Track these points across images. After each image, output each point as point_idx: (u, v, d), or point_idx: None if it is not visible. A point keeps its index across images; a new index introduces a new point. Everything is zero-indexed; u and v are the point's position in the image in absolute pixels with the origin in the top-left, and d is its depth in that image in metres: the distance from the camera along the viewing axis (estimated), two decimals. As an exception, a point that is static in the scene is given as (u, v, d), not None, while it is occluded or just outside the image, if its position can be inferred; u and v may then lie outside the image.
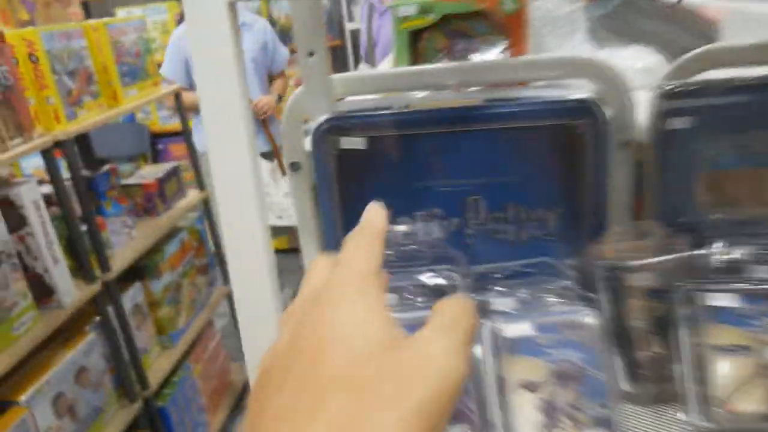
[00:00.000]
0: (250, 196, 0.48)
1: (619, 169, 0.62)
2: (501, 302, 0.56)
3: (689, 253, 0.58)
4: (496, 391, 0.52)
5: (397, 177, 0.58)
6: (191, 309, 2.12)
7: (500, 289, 0.57)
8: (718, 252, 0.58)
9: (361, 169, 0.57)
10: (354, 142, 0.55)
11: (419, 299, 0.56)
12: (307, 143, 0.68)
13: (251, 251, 0.49)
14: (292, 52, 2.84)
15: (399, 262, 0.61)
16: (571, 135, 0.56)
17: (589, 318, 0.53)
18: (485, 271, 0.60)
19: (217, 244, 2.32)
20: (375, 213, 0.34)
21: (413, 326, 0.49)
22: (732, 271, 0.57)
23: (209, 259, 2.28)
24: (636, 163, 0.64)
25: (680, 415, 0.54)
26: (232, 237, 0.49)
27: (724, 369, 0.52)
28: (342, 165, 0.57)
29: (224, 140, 0.47)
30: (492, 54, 0.70)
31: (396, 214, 0.59)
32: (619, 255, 0.60)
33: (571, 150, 0.57)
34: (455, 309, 0.29)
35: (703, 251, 0.58)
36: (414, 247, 0.60)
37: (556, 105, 0.55)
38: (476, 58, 0.71)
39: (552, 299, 0.56)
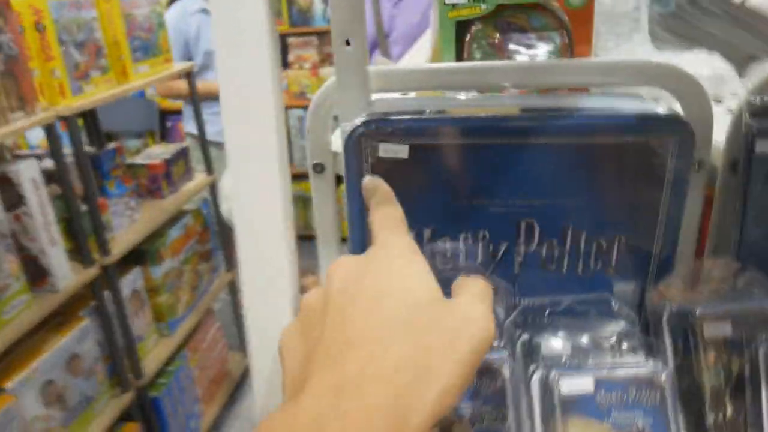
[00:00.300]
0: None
1: (692, 194, 0.53)
2: (553, 345, 0.48)
3: (773, 300, 0.50)
4: (547, 456, 0.44)
5: (440, 192, 0.50)
6: (192, 296, 2.05)
7: (553, 328, 0.49)
8: (809, 301, 0.50)
9: (399, 179, 0.49)
10: (395, 150, 0.47)
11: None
12: (335, 143, 0.60)
13: (269, 231, 0.42)
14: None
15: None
16: (647, 154, 0.48)
17: (658, 374, 0.45)
18: (534, 306, 0.52)
19: (222, 230, 2.24)
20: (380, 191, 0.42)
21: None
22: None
23: (212, 245, 2.20)
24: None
25: (757, 493, 0.46)
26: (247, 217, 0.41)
27: (817, 445, 0.44)
28: (378, 174, 0.49)
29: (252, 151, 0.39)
30: (547, 52, 0.62)
31: (436, 234, 0.51)
32: (691, 297, 0.52)
33: (646, 171, 0.49)
34: (480, 284, 0.35)
35: (791, 299, 0.50)
36: (454, 272, 0.52)
37: (640, 120, 0.47)
38: (530, 55, 0.62)
39: (612, 345, 0.48)
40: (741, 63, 0.86)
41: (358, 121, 0.48)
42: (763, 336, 0.48)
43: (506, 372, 0.45)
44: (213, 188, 2.18)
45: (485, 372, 0.45)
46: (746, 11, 0.83)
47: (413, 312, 0.29)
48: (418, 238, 0.52)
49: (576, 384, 0.44)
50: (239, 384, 2.46)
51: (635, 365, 0.45)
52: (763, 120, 0.51)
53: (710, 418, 0.48)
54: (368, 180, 0.43)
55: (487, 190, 0.49)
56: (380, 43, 2.28)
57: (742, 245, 0.53)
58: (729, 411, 0.48)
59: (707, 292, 0.52)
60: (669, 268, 0.53)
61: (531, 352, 0.48)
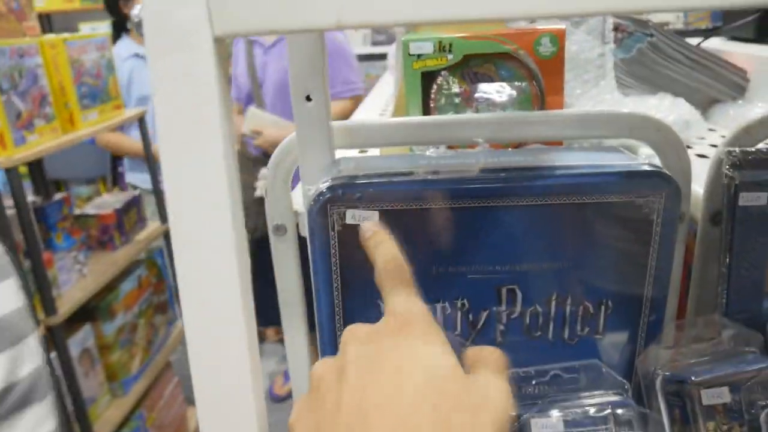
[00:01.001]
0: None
1: (676, 248, 0.51)
2: (543, 424, 0.44)
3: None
4: None
5: (413, 259, 0.45)
6: (147, 351, 1.94)
7: (542, 405, 0.45)
8: (805, 361, 0.47)
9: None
10: (364, 217, 0.43)
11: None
12: (296, 202, 0.55)
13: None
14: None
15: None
16: (632, 212, 0.45)
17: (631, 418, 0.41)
18: (519, 376, 0.48)
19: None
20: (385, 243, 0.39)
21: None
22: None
23: (169, 295, 2.11)
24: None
25: None
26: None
27: None
28: (346, 243, 0.44)
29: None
30: (516, 96, 0.60)
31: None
32: (681, 360, 0.49)
33: (631, 229, 0.46)
34: (496, 356, 0.34)
35: (787, 360, 0.47)
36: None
37: (626, 177, 0.44)
38: (500, 103, 0.60)
39: (605, 418, 0.44)
40: (704, 106, 0.86)
41: (323, 186, 0.44)
42: (763, 400, 0.45)
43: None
44: (167, 236, 2.10)
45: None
46: (704, 54, 0.83)
47: (434, 389, 0.29)
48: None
49: (545, 425, 0.40)
50: (199, 441, 2.34)
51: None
52: (744, 171, 0.49)
53: (713, 494, 0.44)
54: (368, 227, 0.40)
55: (464, 255, 0.46)
56: (254, 92, 2.13)
57: (729, 301, 0.51)
58: (732, 485, 0.45)
59: (695, 352, 0.49)
60: (658, 331, 0.50)
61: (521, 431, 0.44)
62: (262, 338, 2.96)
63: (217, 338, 0.36)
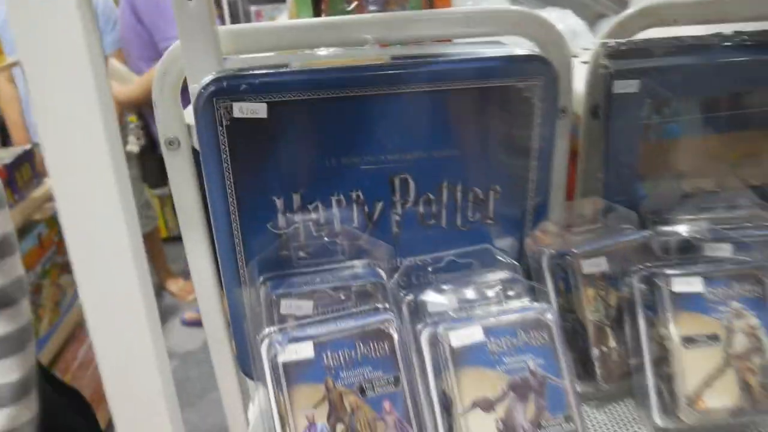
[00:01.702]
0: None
1: (559, 142, 0.54)
2: (439, 301, 0.46)
3: (644, 233, 0.51)
4: (442, 413, 0.42)
5: (306, 153, 0.46)
6: (55, 313, 1.86)
7: (437, 285, 0.47)
8: (672, 231, 0.52)
9: (259, 142, 0.44)
10: (251, 109, 0.43)
11: (339, 304, 0.45)
12: (188, 114, 0.54)
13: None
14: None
15: (313, 258, 0.49)
16: (514, 98, 0.47)
17: (544, 315, 0.44)
18: (416, 264, 0.50)
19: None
20: None
21: (336, 341, 0.38)
22: (686, 251, 0.51)
23: (75, 255, 2.02)
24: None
25: (644, 416, 0.48)
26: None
27: (689, 362, 0.45)
28: (235, 138, 0.44)
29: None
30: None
31: (306, 198, 0.47)
32: (566, 239, 0.52)
33: (514, 117, 0.48)
34: None
35: (657, 231, 0.52)
36: (330, 239, 0.49)
37: (505, 61, 0.46)
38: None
39: (497, 294, 0.47)
40: (591, 20, 0.90)
41: (208, 79, 0.43)
42: (636, 267, 0.49)
43: (394, 334, 0.42)
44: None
45: (372, 337, 0.42)
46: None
47: None
48: (287, 206, 0.48)
49: (465, 335, 0.42)
50: (121, 401, 2.28)
51: (521, 309, 0.45)
52: (618, 61, 0.52)
53: (595, 351, 0.49)
54: None
55: (356, 147, 0.46)
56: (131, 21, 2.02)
57: (607, 184, 0.55)
58: (611, 342, 0.49)
59: (581, 232, 0.52)
60: (544, 214, 0.53)
61: (417, 311, 0.46)
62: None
63: (112, 291, 0.35)
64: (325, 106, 0.45)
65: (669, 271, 0.47)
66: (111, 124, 0.31)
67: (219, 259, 0.52)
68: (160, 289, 3.00)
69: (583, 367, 0.50)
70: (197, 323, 2.14)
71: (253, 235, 0.49)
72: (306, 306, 0.45)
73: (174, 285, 2.88)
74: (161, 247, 2.84)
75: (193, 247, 0.58)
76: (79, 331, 2.05)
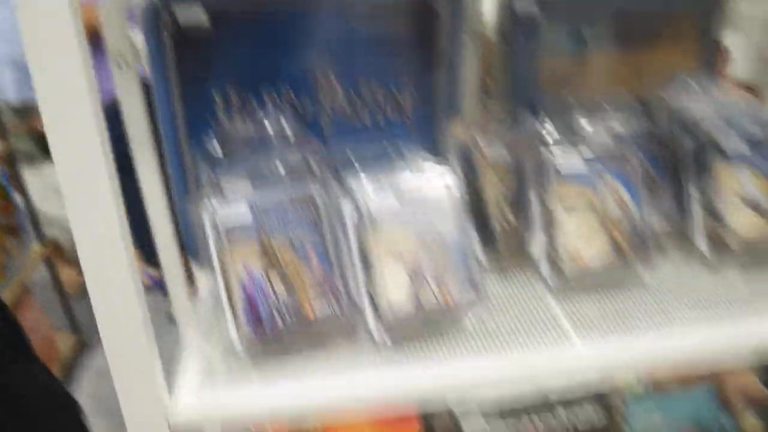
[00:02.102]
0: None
1: (468, 62, 0.61)
2: (361, 181, 0.53)
3: (538, 127, 0.60)
4: (361, 264, 0.50)
5: (245, 58, 0.52)
6: (1, 276, 1.86)
7: (359, 172, 0.54)
8: (560, 125, 0.60)
9: (202, 48, 0.51)
10: (194, 16, 0.48)
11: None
12: (135, 34, 0.59)
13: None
14: None
15: (251, 152, 0.56)
16: (425, 13, 0.55)
17: (448, 189, 0.52)
18: (344, 159, 0.57)
19: (27, 200, 2.05)
20: None
21: (269, 206, 0.45)
22: (568, 141, 0.60)
23: (19, 218, 2.01)
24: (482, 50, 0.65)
25: (536, 277, 0.57)
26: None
27: (570, 226, 0.54)
28: (180, 51, 0.50)
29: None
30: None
31: (246, 99, 0.54)
32: (473, 133, 0.60)
33: (426, 28, 0.56)
34: None
35: (548, 125, 0.60)
36: (263, 135, 0.56)
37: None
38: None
39: (413, 169, 0.55)
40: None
41: (153, -13, 0.49)
42: (530, 156, 0.58)
43: (320, 200, 0.50)
44: (10, 155, 1.98)
45: (302, 203, 0.49)
46: None
47: None
48: (226, 104, 0.54)
49: (381, 203, 0.50)
50: (72, 365, 2.30)
51: (429, 183, 0.53)
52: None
53: (496, 226, 0.57)
54: None
55: (287, 49, 0.53)
56: None
57: (512, 90, 0.63)
58: (510, 217, 0.57)
59: (485, 129, 0.61)
60: (455, 114, 0.61)
61: (345, 191, 0.53)
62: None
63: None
64: (263, 17, 0.51)
65: (555, 154, 0.56)
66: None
67: (166, 159, 0.58)
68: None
69: (486, 241, 0.58)
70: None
71: (196, 134, 0.55)
72: (244, 184, 0.51)
73: None
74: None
75: (144, 168, 0.63)
76: (26, 296, 2.05)
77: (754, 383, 0.73)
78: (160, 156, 0.62)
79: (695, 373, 0.71)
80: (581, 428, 0.67)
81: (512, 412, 0.65)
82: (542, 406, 0.66)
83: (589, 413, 0.67)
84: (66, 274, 2.61)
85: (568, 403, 0.67)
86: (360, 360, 0.49)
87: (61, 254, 2.69)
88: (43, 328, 2.11)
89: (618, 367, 0.50)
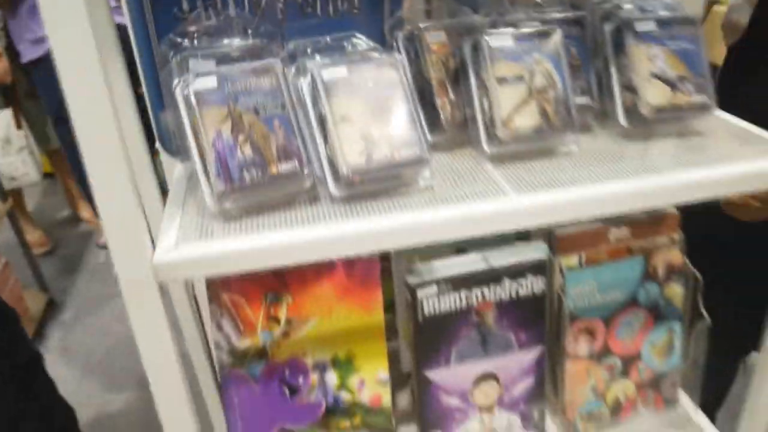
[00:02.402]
0: None
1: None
2: (316, 60, 0.59)
3: (475, 17, 0.66)
4: (318, 127, 0.56)
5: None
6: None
7: (314, 53, 0.60)
8: (495, 17, 0.67)
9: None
10: None
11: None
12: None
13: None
14: None
15: (214, 39, 0.61)
16: None
17: (395, 69, 0.58)
18: (299, 47, 0.63)
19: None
20: None
21: (235, 75, 0.51)
22: (501, 24, 0.66)
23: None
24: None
25: (475, 145, 0.64)
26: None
27: (503, 96, 0.61)
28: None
29: None
30: None
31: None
32: (417, 21, 0.66)
33: None
34: None
35: (481, 15, 0.67)
36: (226, 23, 0.61)
37: None
38: None
39: (362, 51, 0.61)
40: None
41: None
42: (467, 40, 0.64)
43: (280, 71, 0.55)
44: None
45: (263, 73, 0.55)
46: None
47: None
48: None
49: (334, 72, 0.56)
50: (42, 322, 2.32)
51: (377, 59, 0.59)
52: None
53: (439, 101, 0.64)
54: None
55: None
56: None
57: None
58: (451, 95, 0.64)
59: (429, 18, 0.67)
60: (399, 5, 0.67)
61: (302, 69, 0.59)
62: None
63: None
64: None
65: (489, 36, 0.63)
66: None
67: (134, 47, 0.62)
68: (74, 218, 2.99)
69: (431, 119, 0.65)
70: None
71: (162, 21, 0.60)
72: (210, 64, 0.57)
73: (86, 211, 2.88)
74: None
75: (111, 67, 0.67)
76: (-8, 253, 2.06)
77: (677, 256, 0.82)
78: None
79: (622, 243, 0.80)
80: (522, 295, 0.75)
81: (464, 282, 0.73)
82: (490, 277, 0.74)
83: (532, 283, 0.76)
84: (30, 234, 2.61)
85: (513, 275, 0.75)
86: (318, 213, 0.55)
87: (24, 214, 2.68)
88: (9, 285, 2.13)
89: (546, 213, 0.58)
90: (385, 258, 0.87)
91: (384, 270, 0.87)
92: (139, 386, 2.01)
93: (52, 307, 2.42)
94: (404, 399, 0.92)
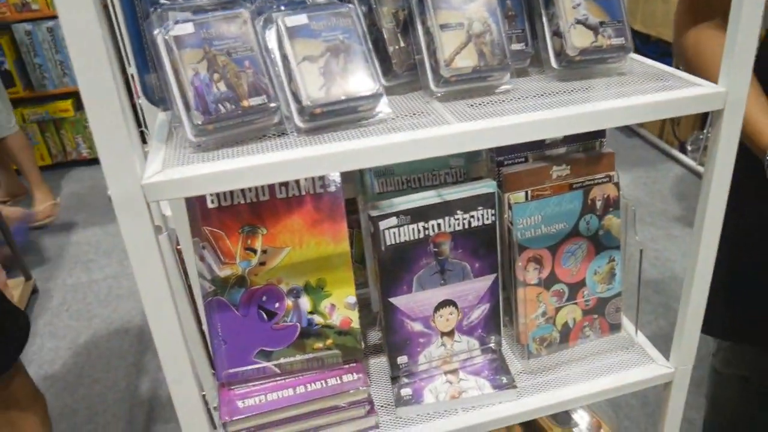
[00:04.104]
0: None
1: None
2: (279, 11, 0.67)
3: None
4: (283, 67, 0.64)
5: None
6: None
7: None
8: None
9: None
10: None
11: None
12: None
13: None
14: None
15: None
16: None
17: (350, 12, 0.67)
18: (265, 2, 0.70)
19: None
20: None
21: (207, 22, 0.58)
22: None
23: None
24: None
25: (424, 86, 0.72)
26: None
27: (445, 40, 0.70)
28: None
29: None
30: None
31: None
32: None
33: None
34: None
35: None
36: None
37: None
38: None
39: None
40: None
41: None
42: (414, -6, 0.73)
43: (249, 19, 0.63)
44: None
45: (233, 19, 0.63)
46: None
47: None
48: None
49: (295, 19, 0.64)
50: (28, 309, 2.37)
51: (334, 7, 0.67)
52: None
53: (390, 49, 0.72)
54: None
55: None
56: None
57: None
58: (401, 42, 0.73)
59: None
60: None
61: (268, 21, 0.67)
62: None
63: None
64: None
65: (433, -12, 0.71)
66: None
67: (119, 10, 0.70)
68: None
69: (385, 66, 0.73)
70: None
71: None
72: (187, 15, 0.64)
73: (40, 203, 2.91)
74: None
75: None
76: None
77: (613, 190, 0.91)
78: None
79: (564, 180, 0.89)
80: (475, 226, 0.84)
81: (420, 214, 0.81)
82: (444, 210, 0.83)
83: (482, 215, 0.85)
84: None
85: (465, 207, 0.83)
86: (286, 142, 0.64)
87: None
88: (-4, 273, 2.17)
89: (484, 138, 0.66)
90: (355, 211, 0.96)
91: (355, 223, 0.97)
92: (125, 364, 2.08)
93: (37, 295, 2.47)
94: (374, 336, 1.01)
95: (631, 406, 1.77)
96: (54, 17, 3.52)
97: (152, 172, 0.59)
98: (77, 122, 3.95)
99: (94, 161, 3.63)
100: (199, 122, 0.61)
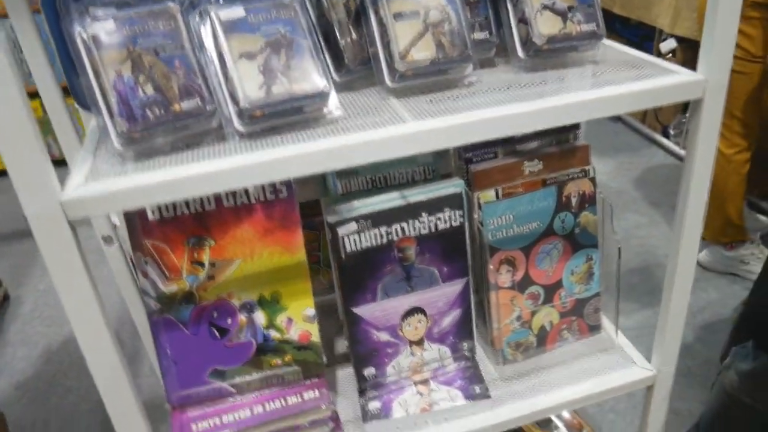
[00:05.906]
0: None
1: None
2: (212, 3, 0.61)
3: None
4: (219, 65, 0.58)
5: None
6: None
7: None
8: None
9: None
10: None
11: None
12: None
13: None
14: None
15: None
16: None
17: (291, 3, 0.61)
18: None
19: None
20: None
21: (132, 18, 0.52)
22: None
23: None
24: None
25: (380, 81, 0.67)
26: None
27: (399, 31, 0.64)
28: None
29: None
30: None
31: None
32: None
33: None
34: None
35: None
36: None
37: None
38: None
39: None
40: None
41: None
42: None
43: (176, 12, 0.57)
44: None
45: (161, 16, 0.57)
46: None
47: None
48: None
49: (231, 13, 0.58)
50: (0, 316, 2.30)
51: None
52: None
53: (341, 42, 0.66)
54: None
55: None
56: None
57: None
58: (353, 35, 0.67)
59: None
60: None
61: (203, 14, 0.61)
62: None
63: None
64: None
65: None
66: None
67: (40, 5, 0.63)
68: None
69: (336, 60, 0.67)
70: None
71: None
72: (109, 10, 0.58)
73: None
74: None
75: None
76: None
77: (588, 186, 0.86)
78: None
79: (536, 176, 0.84)
80: (441, 228, 0.79)
81: (383, 218, 0.76)
82: (408, 212, 0.77)
83: (449, 216, 0.79)
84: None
85: (430, 209, 0.78)
86: (226, 149, 0.58)
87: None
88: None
89: (442, 138, 0.61)
90: (320, 213, 0.91)
91: (321, 226, 0.91)
92: (101, 372, 2.01)
93: (8, 302, 2.40)
94: (343, 344, 0.96)
95: (616, 399, 1.74)
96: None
97: (74, 186, 0.54)
98: (46, 122, 3.84)
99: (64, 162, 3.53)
100: (124, 129, 0.55)
